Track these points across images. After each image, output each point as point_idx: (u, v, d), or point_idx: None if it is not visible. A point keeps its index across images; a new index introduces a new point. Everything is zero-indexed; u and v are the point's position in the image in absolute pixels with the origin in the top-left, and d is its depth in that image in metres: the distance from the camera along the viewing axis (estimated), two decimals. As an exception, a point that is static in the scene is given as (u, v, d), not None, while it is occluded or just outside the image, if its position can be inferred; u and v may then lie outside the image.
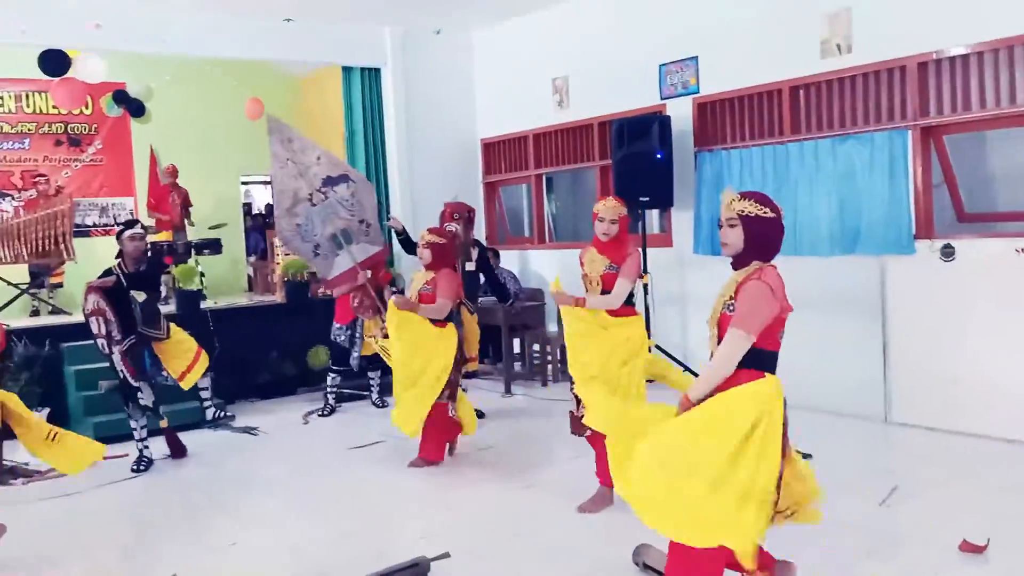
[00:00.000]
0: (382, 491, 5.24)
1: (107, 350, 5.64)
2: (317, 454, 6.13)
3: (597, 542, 4.16)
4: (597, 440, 4.53)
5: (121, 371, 5.66)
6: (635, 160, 6.95)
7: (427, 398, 5.42)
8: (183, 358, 6.01)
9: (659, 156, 6.90)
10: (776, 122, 6.69)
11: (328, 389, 7.36)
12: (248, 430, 6.76)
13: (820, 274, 6.16)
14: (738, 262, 3.03)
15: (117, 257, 5.84)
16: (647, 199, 6.87)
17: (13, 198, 10.13)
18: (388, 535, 4.46)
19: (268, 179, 13.20)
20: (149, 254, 6.05)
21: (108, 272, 5.77)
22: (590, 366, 4.40)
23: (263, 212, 12.81)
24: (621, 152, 7.05)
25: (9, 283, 8.33)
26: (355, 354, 7.23)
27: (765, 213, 2.97)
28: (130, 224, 5.98)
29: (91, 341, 5.76)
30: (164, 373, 5.93)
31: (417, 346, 5.45)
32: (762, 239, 2.97)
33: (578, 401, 4.55)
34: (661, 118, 7.09)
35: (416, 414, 5.41)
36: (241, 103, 10.17)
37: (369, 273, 7.03)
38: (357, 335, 7.19)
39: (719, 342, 2.98)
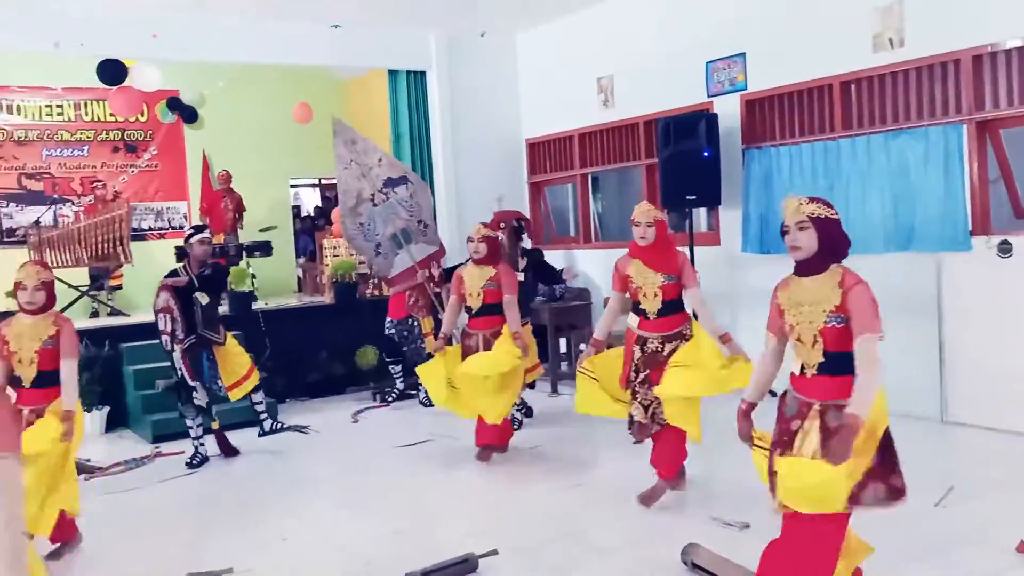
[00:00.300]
0: (430, 489, 5.29)
1: (170, 347, 5.80)
2: (366, 452, 6.21)
3: (645, 541, 4.15)
4: (664, 433, 4.56)
5: (180, 369, 5.81)
6: (682, 159, 6.91)
7: (515, 395, 5.58)
8: (236, 371, 6.08)
9: (706, 154, 6.85)
10: (827, 118, 6.59)
11: (394, 376, 7.62)
12: (299, 428, 6.87)
13: (874, 272, 5.86)
14: (809, 266, 3.00)
15: (181, 260, 6.01)
16: (694, 198, 6.83)
17: (73, 203, 10.45)
18: (436, 532, 4.49)
19: (316, 182, 13.49)
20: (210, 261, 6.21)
21: (174, 273, 5.93)
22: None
23: (312, 214, 13.00)
24: (667, 151, 7.01)
25: (70, 285, 8.58)
26: (420, 347, 7.36)
27: (833, 215, 3.02)
28: (199, 229, 6.18)
29: (149, 341, 5.94)
30: (219, 381, 6.02)
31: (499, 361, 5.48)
32: (833, 241, 3.00)
33: (646, 408, 4.55)
34: (708, 116, 7.04)
35: (507, 405, 5.54)
36: (290, 107, 10.37)
37: (427, 272, 7.21)
38: (414, 332, 7.33)
39: (826, 352, 2.94)
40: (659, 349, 4.49)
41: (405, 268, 7.27)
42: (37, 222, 9.21)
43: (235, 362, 6.06)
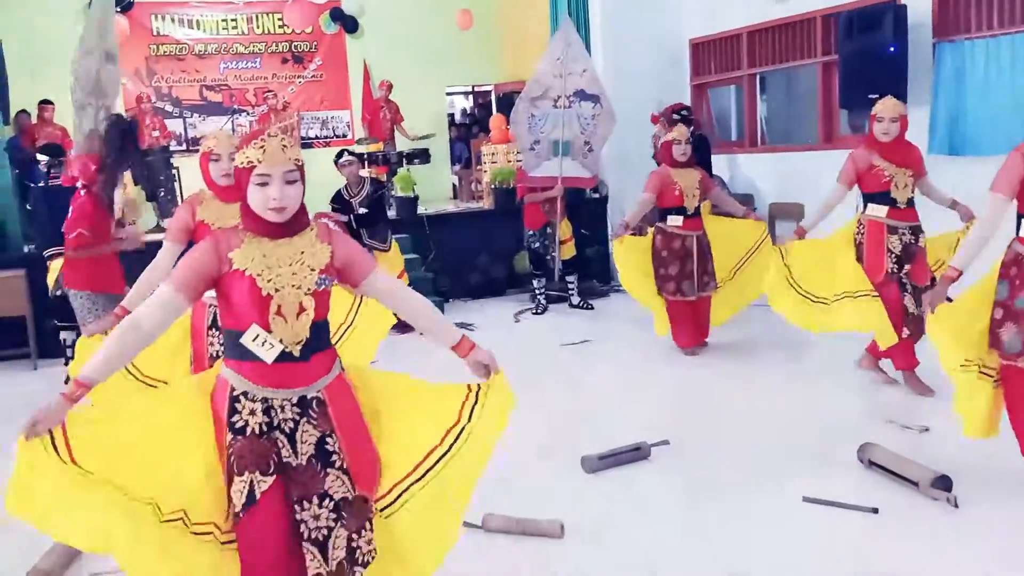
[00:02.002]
0: (597, 383, 5.45)
1: None
2: (531, 349, 6.42)
3: (819, 440, 4.14)
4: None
5: None
6: (865, 55, 6.48)
7: None
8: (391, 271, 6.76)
9: (892, 49, 6.39)
10: (1032, 7, 5.99)
11: (536, 291, 7.65)
12: (465, 325, 7.19)
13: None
14: None
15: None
16: (877, 96, 6.40)
17: (248, 113, 11.07)
18: (608, 422, 4.63)
19: (470, 89, 13.58)
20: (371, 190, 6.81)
21: (339, 196, 6.75)
22: None
23: (467, 122, 13.16)
24: (849, 47, 6.60)
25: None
26: (554, 256, 7.43)
27: None
28: (339, 155, 6.85)
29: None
30: None
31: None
32: None
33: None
34: (896, 7, 6.52)
35: None
36: (444, 15, 10.43)
37: (563, 190, 7.25)
38: (550, 240, 7.39)
39: None
40: (912, 241, 4.60)
41: (548, 175, 7.30)
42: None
43: (390, 264, 6.66)
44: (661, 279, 5.66)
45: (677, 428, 4.34)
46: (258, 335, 2.16)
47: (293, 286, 2.18)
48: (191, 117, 10.93)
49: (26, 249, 7.15)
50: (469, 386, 2.47)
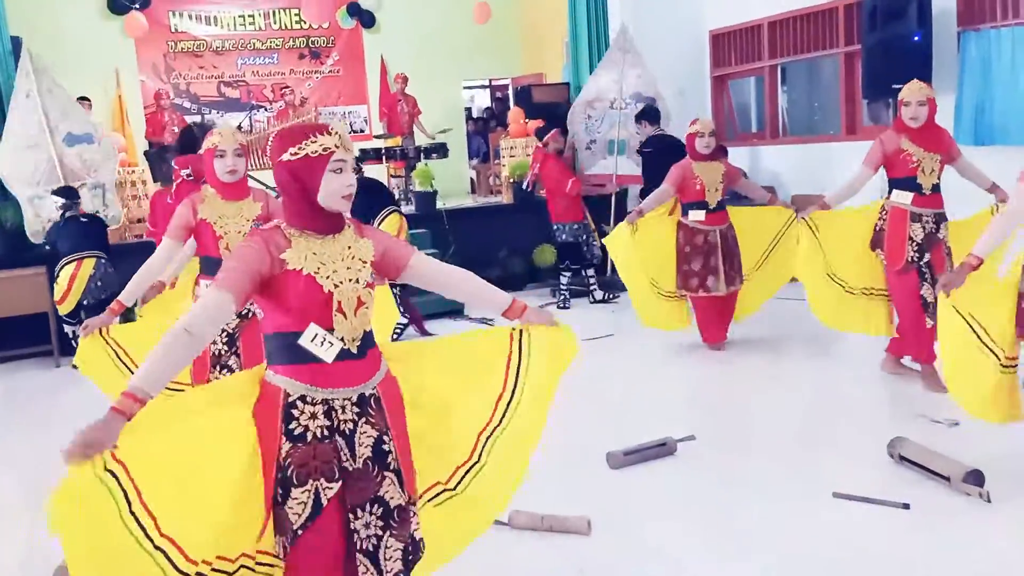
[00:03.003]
0: (622, 379, 5.41)
1: None
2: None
3: (848, 436, 4.09)
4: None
5: None
6: (888, 44, 6.42)
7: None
8: None
9: (917, 38, 6.32)
10: (1060, -7, 5.90)
11: (562, 286, 7.62)
12: (485, 321, 7.18)
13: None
14: None
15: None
16: (900, 87, 6.33)
17: (266, 109, 11.09)
18: (632, 417, 4.59)
19: (487, 83, 13.56)
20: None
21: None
22: None
23: (484, 116, 13.14)
24: (874, 36, 6.52)
25: (267, 186, 9.17)
26: (595, 244, 7.41)
27: None
28: None
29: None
30: None
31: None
32: None
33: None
34: (921, -6, 6.46)
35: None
36: (462, 9, 10.40)
37: (618, 188, 7.31)
38: (590, 231, 7.38)
39: None
40: (935, 230, 4.49)
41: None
42: (240, 127, 9.83)
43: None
44: (684, 275, 5.55)
45: (703, 423, 4.31)
46: (317, 334, 2.07)
47: (350, 280, 2.11)
48: (209, 113, 10.96)
49: (47, 248, 7.18)
50: (511, 334, 2.46)
